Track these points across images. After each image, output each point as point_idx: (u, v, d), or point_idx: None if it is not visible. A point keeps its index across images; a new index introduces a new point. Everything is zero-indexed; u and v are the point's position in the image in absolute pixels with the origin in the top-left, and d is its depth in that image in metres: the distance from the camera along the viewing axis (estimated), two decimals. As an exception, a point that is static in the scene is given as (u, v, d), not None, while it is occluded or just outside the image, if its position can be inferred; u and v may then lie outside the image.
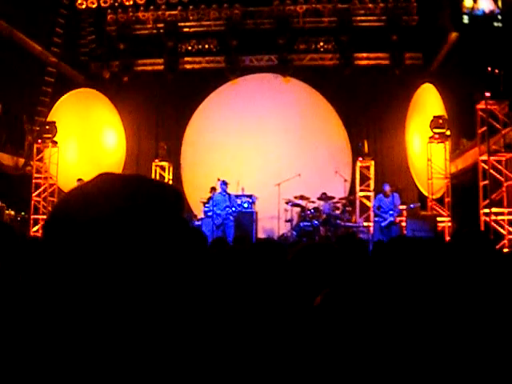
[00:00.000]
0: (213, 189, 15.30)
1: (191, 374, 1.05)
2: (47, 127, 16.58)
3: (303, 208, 15.67)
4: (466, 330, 2.25)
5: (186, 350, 1.05)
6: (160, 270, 1.00)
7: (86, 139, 18.37)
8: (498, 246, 12.23)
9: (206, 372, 1.24)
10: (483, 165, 13.42)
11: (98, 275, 0.96)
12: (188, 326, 1.05)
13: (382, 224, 13.95)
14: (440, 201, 15.77)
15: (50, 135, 16.47)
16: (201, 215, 15.66)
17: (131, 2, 19.45)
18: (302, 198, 15.72)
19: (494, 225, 13.03)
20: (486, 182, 13.25)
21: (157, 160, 18.72)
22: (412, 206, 14.92)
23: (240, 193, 16.11)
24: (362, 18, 19.05)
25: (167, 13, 19.55)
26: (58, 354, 0.95)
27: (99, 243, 0.97)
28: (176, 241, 1.04)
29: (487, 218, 13.14)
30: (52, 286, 0.99)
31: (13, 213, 16.74)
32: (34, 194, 16.71)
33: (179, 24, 19.56)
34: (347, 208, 16.00)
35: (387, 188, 14.27)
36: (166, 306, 1.00)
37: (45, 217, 16.48)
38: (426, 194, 16.19)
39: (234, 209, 14.55)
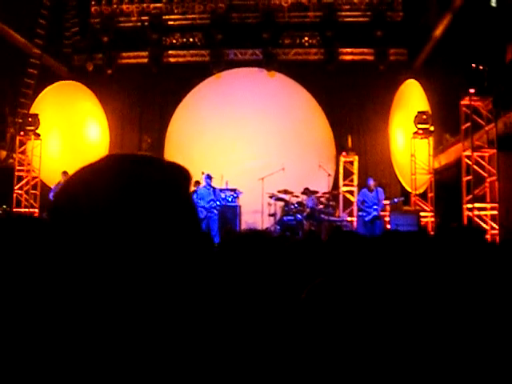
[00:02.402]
0: (197, 182, 15.26)
1: (183, 363, 1.04)
2: (30, 119, 16.43)
3: (287, 202, 15.68)
4: (457, 322, 2.25)
5: (182, 337, 1.04)
6: (166, 253, 0.99)
7: (69, 132, 18.23)
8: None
9: (200, 362, 1.23)
10: (467, 160, 13.50)
11: (106, 257, 0.95)
12: (189, 313, 1.04)
13: (366, 218, 13.99)
14: (423, 196, 15.85)
15: (32, 127, 16.32)
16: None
17: (115, -6, 19.36)
18: (285, 192, 15.73)
19: (477, 220, 13.11)
20: (470, 177, 13.33)
21: (140, 153, 18.63)
22: (395, 200, 14.99)
23: (224, 187, 16.09)
24: (347, 13, 19.08)
25: (152, 5, 19.46)
26: (58, 342, 0.94)
27: (108, 225, 0.96)
28: (182, 222, 1.03)
29: (470, 213, 13.22)
30: (57, 268, 0.98)
31: (-5, 206, 16.61)
32: (16, 187, 16.57)
33: (164, 17, 19.46)
34: (331, 202, 16.04)
35: (371, 182, 14.30)
36: (172, 293, 0.99)
37: (27, 210, 16.38)
38: (409, 189, 16.26)
39: (218, 203, 14.54)
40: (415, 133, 15.40)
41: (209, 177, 14.57)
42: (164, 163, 1.08)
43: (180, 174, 1.07)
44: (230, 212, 15.59)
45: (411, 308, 2.20)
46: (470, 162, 13.37)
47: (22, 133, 16.53)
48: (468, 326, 2.23)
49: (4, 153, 17.66)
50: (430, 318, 2.21)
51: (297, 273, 3.41)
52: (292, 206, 15.42)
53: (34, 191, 16.67)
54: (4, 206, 16.84)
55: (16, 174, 16.70)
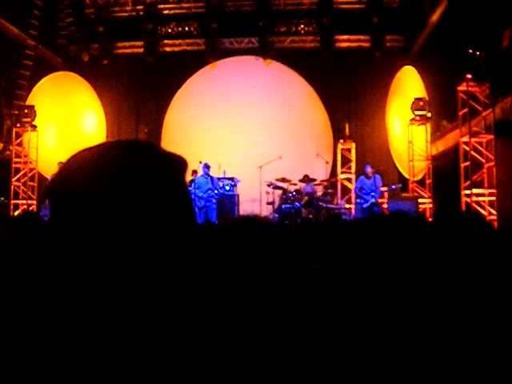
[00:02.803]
0: (194, 172, 15.25)
1: (179, 356, 1.03)
2: (26, 111, 16.39)
3: (285, 190, 15.69)
4: (456, 310, 2.25)
5: (180, 329, 1.03)
6: (161, 239, 0.98)
7: (65, 123, 18.20)
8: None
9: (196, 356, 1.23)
10: (464, 146, 13.48)
11: (102, 242, 0.94)
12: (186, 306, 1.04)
13: (364, 205, 14.01)
14: (421, 182, 15.86)
15: (28, 119, 16.28)
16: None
17: (110, -16, 19.25)
18: (283, 180, 15.74)
19: (475, 206, 13.12)
20: (467, 163, 13.32)
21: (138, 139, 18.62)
22: (393, 187, 14.98)
23: (222, 175, 16.09)
24: (343, 0, 18.99)
25: (147, -5, 19.37)
26: (57, 338, 0.93)
27: (102, 213, 0.95)
28: (178, 209, 1.02)
29: (468, 199, 13.22)
30: (55, 259, 0.97)
31: (-8, 197, 16.60)
32: (13, 179, 16.55)
33: (159, 6, 19.39)
34: (329, 190, 16.05)
35: (369, 169, 14.31)
36: (168, 280, 0.99)
37: (25, 202, 16.37)
38: (407, 176, 16.27)
39: (216, 192, 14.54)
40: (412, 119, 15.39)
41: (207, 166, 14.57)
42: (161, 150, 1.08)
43: (176, 161, 1.07)
44: (228, 201, 15.59)
45: (409, 294, 2.20)
46: (467, 148, 13.36)
47: (18, 125, 16.51)
48: (467, 314, 2.22)
49: (1, 145, 17.62)
50: (428, 305, 2.20)
51: (293, 259, 3.40)
52: (290, 195, 15.42)
53: (31, 183, 16.64)
54: (2, 198, 16.82)
55: (13, 165, 16.68)
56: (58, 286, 0.97)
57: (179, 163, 1.07)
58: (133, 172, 0.99)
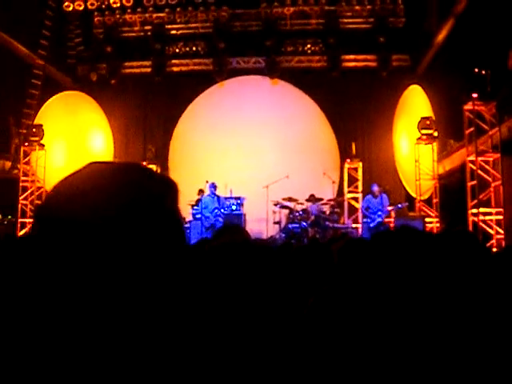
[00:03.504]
0: (201, 191, 15.29)
1: (182, 370, 1.04)
2: (34, 130, 16.48)
3: (291, 210, 15.66)
4: (463, 329, 2.24)
5: (177, 346, 1.03)
6: (151, 263, 0.98)
7: (73, 142, 18.28)
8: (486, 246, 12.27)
9: (198, 367, 1.23)
10: (471, 165, 13.46)
11: (87, 269, 0.94)
12: (178, 323, 1.04)
13: (371, 225, 13.97)
14: (428, 202, 15.81)
15: (36, 138, 16.37)
16: (189, 218, 15.63)
17: (118, 5, 19.37)
18: (290, 199, 15.71)
19: (482, 225, 13.07)
20: (474, 182, 13.29)
21: (145, 162, 18.63)
22: (400, 206, 14.91)
23: (228, 195, 16.08)
24: (349, 20, 19.09)
25: (154, 15, 19.50)
26: (50, 352, 0.93)
27: (90, 237, 0.95)
28: (168, 234, 1.03)
29: (475, 219, 13.18)
30: (42, 281, 0.97)
31: (0, 216, 16.64)
32: (21, 198, 16.59)
33: (166, 26, 19.52)
34: (336, 209, 16.01)
35: (376, 188, 14.28)
36: (156, 302, 0.99)
37: (32, 220, 16.38)
38: (413, 195, 16.23)
39: (222, 211, 14.54)
40: (419, 138, 15.38)
41: (213, 185, 14.59)
42: (153, 173, 1.08)
43: (168, 185, 1.07)
44: (235, 220, 15.55)
45: (415, 313, 2.19)
46: (474, 167, 13.34)
47: (26, 143, 16.60)
48: (471, 332, 2.22)
49: (9, 163, 17.72)
50: (434, 324, 2.19)
51: (299, 280, 3.40)
52: (297, 214, 15.40)
53: (38, 201, 16.65)
54: (9, 217, 16.89)
55: (21, 184, 16.72)
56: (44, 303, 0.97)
57: (171, 187, 1.08)
58: (125, 195, 0.99)
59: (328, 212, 15.78)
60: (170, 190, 1.08)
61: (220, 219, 14.56)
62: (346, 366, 1.97)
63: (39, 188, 16.80)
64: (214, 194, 14.59)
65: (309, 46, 19.56)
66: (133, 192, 1.01)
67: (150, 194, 1.03)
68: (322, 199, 15.87)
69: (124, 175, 1.05)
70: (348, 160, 17.91)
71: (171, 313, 1.01)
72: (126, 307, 0.95)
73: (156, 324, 0.98)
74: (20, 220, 16.39)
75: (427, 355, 2.02)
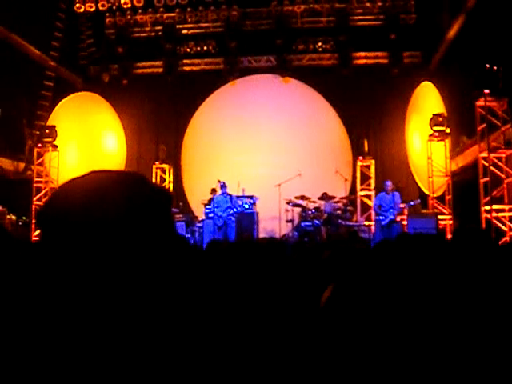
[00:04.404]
0: (213, 190, 15.30)
1: (189, 373, 1.05)
2: (47, 131, 16.59)
3: (304, 208, 15.66)
4: (471, 329, 2.24)
5: (181, 349, 1.05)
6: (149, 269, 1.00)
7: (86, 143, 18.39)
8: (499, 243, 12.22)
9: (204, 370, 1.24)
10: (483, 162, 13.40)
11: (86, 271, 0.96)
12: (180, 325, 1.05)
13: (383, 223, 13.92)
14: (441, 199, 15.75)
15: (50, 139, 16.48)
16: (202, 217, 15.66)
17: (129, 5, 19.41)
18: (302, 198, 15.70)
19: (496, 222, 13.01)
20: (487, 179, 13.23)
21: (157, 162, 18.74)
22: (412, 203, 14.81)
23: (241, 194, 16.09)
24: (360, 17, 19.05)
25: (165, 15, 19.54)
26: (54, 351, 0.95)
27: (89, 242, 0.97)
28: (165, 241, 1.05)
29: (488, 215, 13.12)
30: (47, 283, 0.99)
31: (14, 217, 16.74)
32: (34, 199, 16.69)
33: (177, 26, 19.56)
34: (348, 207, 15.98)
35: (389, 184, 14.20)
36: (157, 305, 1.00)
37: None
38: (426, 192, 16.18)
39: (235, 210, 14.55)
40: (431, 135, 15.32)
41: (224, 184, 14.60)
42: (149, 183, 1.10)
43: (163, 194, 1.09)
44: (247, 219, 15.55)
45: (425, 313, 2.19)
46: (486, 164, 13.28)
47: (39, 144, 16.71)
48: (480, 334, 2.22)
49: (22, 165, 17.82)
50: (444, 324, 2.20)
51: (307, 277, 3.41)
52: (309, 212, 15.40)
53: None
54: (24, 218, 16.98)
55: (34, 185, 16.84)
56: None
57: (166, 196, 1.10)
58: (120, 208, 1.01)
59: (341, 210, 15.76)
60: (164, 196, 1.10)
61: (232, 218, 14.56)
62: (353, 366, 1.98)
63: (53, 189, 16.85)
64: (227, 193, 14.59)
65: (320, 43, 19.51)
66: (130, 197, 1.03)
67: (147, 200, 1.05)
68: (334, 197, 15.86)
69: (122, 183, 1.07)
70: (360, 157, 17.89)
71: (168, 312, 1.03)
72: (123, 308, 0.97)
73: (152, 322, 1.00)
74: (34, 221, 16.46)
75: (436, 356, 2.03)
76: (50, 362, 0.95)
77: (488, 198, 13.20)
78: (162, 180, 18.69)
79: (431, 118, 15.14)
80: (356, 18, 19.03)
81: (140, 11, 19.65)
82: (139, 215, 1.02)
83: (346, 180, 17.12)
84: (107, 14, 19.84)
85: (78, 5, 19.35)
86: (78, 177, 1.07)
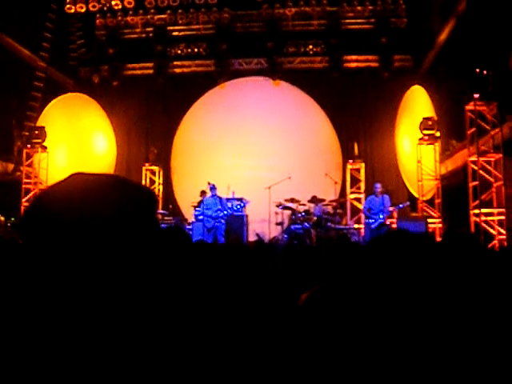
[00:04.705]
0: (203, 192, 15.28)
1: (178, 370, 1.05)
2: (36, 132, 16.53)
3: (294, 211, 15.66)
4: (461, 329, 2.24)
5: (169, 347, 1.04)
6: (133, 268, 0.99)
7: (75, 144, 18.33)
8: (488, 247, 12.28)
9: (195, 367, 1.24)
10: (473, 166, 13.46)
11: (73, 272, 0.95)
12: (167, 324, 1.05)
13: (373, 226, 13.94)
14: (430, 202, 15.80)
15: (39, 140, 16.43)
16: (191, 219, 15.64)
17: (120, 7, 19.37)
18: (292, 200, 15.70)
19: (484, 225, 13.06)
20: (476, 182, 13.29)
21: (147, 164, 18.73)
22: (401, 205, 14.81)
23: (230, 196, 16.07)
24: (351, 20, 19.08)
25: (156, 17, 19.52)
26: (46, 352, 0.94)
27: (74, 243, 0.96)
28: (150, 240, 1.04)
29: (477, 219, 13.17)
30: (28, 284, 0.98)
31: (2, 218, 16.64)
32: (23, 200, 16.63)
33: (168, 28, 19.55)
34: (338, 210, 16.01)
35: (378, 186, 14.21)
36: (144, 303, 1.00)
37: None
38: (416, 195, 16.22)
39: (225, 212, 14.52)
40: (421, 139, 15.37)
41: (213, 187, 14.58)
42: (128, 184, 1.10)
43: (144, 195, 1.09)
44: (237, 221, 15.54)
45: (412, 314, 2.19)
46: (475, 168, 13.33)
47: (28, 145, 16.65)
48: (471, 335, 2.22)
49: (11, 166, 17.74)
50: (433, 326, 2.20)
51: (292, 279, 3.40)
52: (299, 215, 15.40)
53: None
54: (12, 219, 16.90)
55: (23, 186, 16.78)
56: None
57: (149, 194, 1.10)
58: (103, 209, 1.00)
59: (330, 213, 15.78)
60: (148, 196, 1.10)
61: (222, 220, 14.54)
62: (341, 366, 1.98)
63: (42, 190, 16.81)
64: (217, 196, 14.58)
65: (310, 46, 19.55)
66: (115, 198, 1.03)
67: (132, 201, 1.05)
68: (324, 200, 15.87)
69: (106, 184, 1.07)
70: (350, 161, 17.95)
71: (155, 311, 1.02)
72: (107, 307, 0.96)
73: (138, 319, 0.99)
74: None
75: (425, 356, 2.02)
76: (41, 361, 0.95)
77: (477, 202, 13.25)
78: (152, 182, 18.67)
79: (421, 122, 15.19)
80: (347, 21, 19.06)
81: (131, 12, 19.61)
82: (125, 215, 1.01)
83: (335, 183, 17.14)
84: (98, 15, 19.78)
85: (68, 5, 19.29)
86: (61, 180, 1.07)
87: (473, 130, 13.52)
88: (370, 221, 14.13)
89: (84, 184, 1.06)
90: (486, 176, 13.27)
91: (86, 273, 0.97)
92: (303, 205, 15.75)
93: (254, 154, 18.51)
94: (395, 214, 15.31)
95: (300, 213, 15.44)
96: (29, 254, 1.01)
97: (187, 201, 16.72)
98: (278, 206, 15.80)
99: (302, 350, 1.97)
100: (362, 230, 16.27)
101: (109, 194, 1.03)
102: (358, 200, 17.75)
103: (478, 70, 12.90)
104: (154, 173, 18.84)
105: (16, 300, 1.01)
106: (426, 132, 15.15)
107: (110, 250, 0.98)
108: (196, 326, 1.52)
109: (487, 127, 13.41)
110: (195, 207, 15.42)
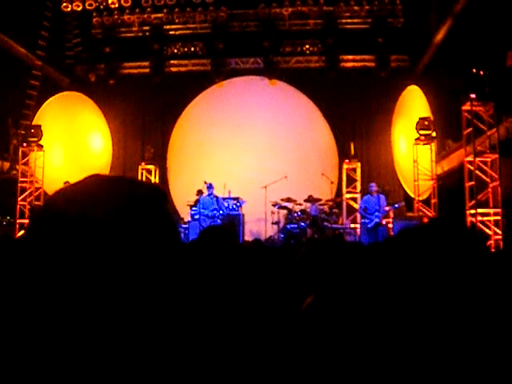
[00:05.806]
0: (199, 191, 15.26)
1: (178, 371, 1.05)
2: (32, 131, 16.49)
3: (290, 210, 15.66)
4: (465, 329, 2.24)
5: (169, 346, 1.04)
6: (147, 269, 0.99)
7: (71, 143, 18.30)
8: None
9: (193, 369, 1.24)
10: (469, 166, 13.47)
11: (84, 269, 0.95)
12: (173, 324, 1.05)
13: (369, 225, 13.96)
14: (426, 202, 15.82)
15: (35, 139, 16.38)
16: (187, 218, 15.63)
17: (117, 5, 19.33)
18: (288, 200, 15.71)
19: (480, 225, 13.08)
20: (472, 183, 13.30)
21: (143, 163, 18.70)
22: (396, 205, 14.83)
23: (227, 195, 16.07)
24: (348, 20, 19.10)
25: (153, 15, 19.49)
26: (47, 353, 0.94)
27: (88, 244, 0.96)
28: (166, 240, 1.04)
29: (473, 219, 13.18)
30: (38, 285, 0.98)
31: (-2, 217, 16.65)
32: (19, 198, 16.59)
33: (165, 27, 19.53)
34: (334, 210, 16.01)
35: (374, 186, 14.24)
36: (154, 304, 1.00)
37: (28, 221, 16.32)
38: (412, 195, 16.24)
39: (221, 211, 14.52)
40: (417, 139, 15.39)
41: (210, 186, 14.58)
42: (142, 184, 1.11)
43: (157, 195, 1.09)
44: (233, 221, 15.53)
45: (414, 317, 2.18)
46: (472, 168, 13.35)
47: (24, 144, 16.60)
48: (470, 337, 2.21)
49: (7, 164, 17.71)
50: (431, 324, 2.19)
51: (296, 281, 3.39)
52: (295, 214, 15.41)
53: (37, 202, 16.65)
54: (8, 217, 16.87)
55: (19, 185, 16.73)
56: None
57: (161, 196, 1.10)
58: (118, 209, 1.00)
59: (326, 212, 15.78)
60: (161, 195, 1.10)
61: (218, 220, 14.54)
62: (343, 367, 1.97)
63: (38, 189, 16.80)
64: (213, 195, 14.58)
65: (307, 46, 19.57)
66: (131, 197, 1.03)
67: (146, 205, 1.05)
68: (320, 199, 15.88)
69: (119, 184, 1.07)
70: (346, 160, 17.95)
71: (165, 311, 1.02)
72: (120, 306, 0.96)
73: (149, 322, 0.99)
74: (18, 221, 16.38)
75: (423, 356, 2.02)
76: (39, 361, 0.94)
77: (473, 202, 13.27)
78: (148, 181, 18.64)
79: (417, 122, 15.21)
80: (344, 21, 19.07)
81: (127, 11, 19.58)
82: (140, 214, 1.02)
83: (332, 183, 17.15)
84: (94, 14, 19.76)
85: (65, 4, 19.23)
86: (76, 181, 1.07)
87: (469, 130, 13.53)
88: (366, 220, 14.16)
89: (97, 184, 1.06)
90: (483, 176, 13.29)
91: (92, 272, 0.97)
92: (299, 204, 15.76)
93: (250, 153, 18.49)
94: (391, 214, 15.33)
95: (296, 212, 15.45)
96: (36, 253, 1.01)
97: (183, 200, 16.70)
98: (274, 206, 15.80)
99: (305, 352, 1.96)
100: (358, 230, 16.28)
101: (122, 195, 1.04)
102: (354, 200, 17.76)
103: (474, 70, 12.91)
104: (149, 172, 18.81)
105: (17, 300, 1.01)
106: (422, 132, 15.18)
107: (117, 252, 0.98)
108: (201, 325, 1.52)
109: (483, 127, 13.41)
110: (191, 206, 15.41)
